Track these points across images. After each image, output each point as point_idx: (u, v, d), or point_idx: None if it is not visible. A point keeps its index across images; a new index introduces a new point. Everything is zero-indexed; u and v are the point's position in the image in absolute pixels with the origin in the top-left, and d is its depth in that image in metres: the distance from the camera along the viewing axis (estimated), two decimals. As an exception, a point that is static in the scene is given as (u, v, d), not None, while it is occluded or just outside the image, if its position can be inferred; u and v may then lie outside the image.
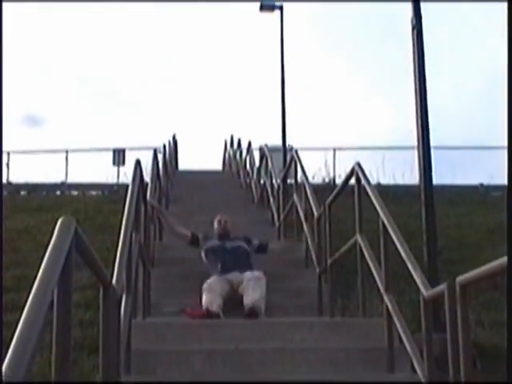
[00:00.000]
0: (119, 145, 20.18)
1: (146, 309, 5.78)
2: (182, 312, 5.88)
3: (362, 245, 5.48)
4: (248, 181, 13.39)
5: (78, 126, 35.11)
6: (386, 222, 4.91)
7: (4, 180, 17.32)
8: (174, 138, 16.74)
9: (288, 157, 10.93)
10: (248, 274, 6.28)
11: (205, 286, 6.18)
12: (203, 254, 6.82)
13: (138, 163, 5.62)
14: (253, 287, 6.07)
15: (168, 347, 4.98)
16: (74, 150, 20.14)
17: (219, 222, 7.10)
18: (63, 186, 17.65)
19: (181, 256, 7.14)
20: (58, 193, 16.31)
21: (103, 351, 3.23)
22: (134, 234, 4.84)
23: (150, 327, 5.28)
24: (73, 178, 18.70)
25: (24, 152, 19.82)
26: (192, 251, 7.16)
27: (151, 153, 9.58)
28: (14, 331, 1.75)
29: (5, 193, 14.54)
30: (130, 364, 4.43)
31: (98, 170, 19.79)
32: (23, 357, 1.67)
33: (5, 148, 17.96)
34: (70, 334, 2.41)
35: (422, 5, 6.35)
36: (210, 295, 6.04)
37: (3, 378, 1.55)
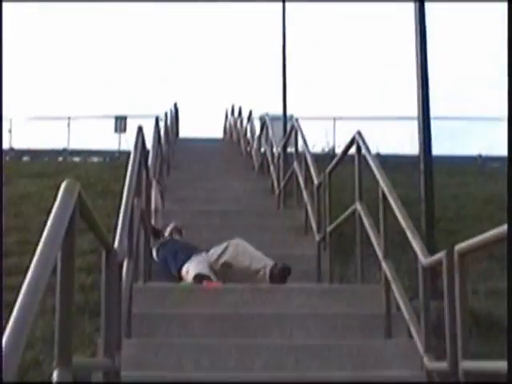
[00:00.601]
0: (121, 112, 20.20)
1: (147, 274, 5.83)
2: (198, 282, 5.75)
3: (362, 213, 5.51)
4: (248, 149, 13.41)
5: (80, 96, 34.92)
6: (386, 190, 4.92)
7: (7, 145, 17.38)
8: (175, 106, 16.75)
9: (288, 126, 10.93)
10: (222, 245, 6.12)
11: (183, 270, 6.00)
12: (154, 252, 6.43)
13: (140, 130, 5.63)
14: (250, 252, 6.04)
15: (168, 311, 5.04)
16: (76, 117, 20.14)
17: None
18: (65, 153, 17.70)
19: (183, 224, 7.16)
20: (60, 159, 16.35)
21: (105, 315, 3.27)
22: (135, 200, 4.87)
23: (150, 292, 5.35)
24: (75, 145, 18.75)
25: (27, 118, 19.84)
26: (195, 218, 7.21)
27: (153, 120, 9.61)
28: (18, 294, 1.77)
29: (7, 158, 14.58)
30: (131, 328, 4.50)
31: (99, 137, 19.79)
32: (26, 320, 1.69)
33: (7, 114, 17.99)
34: (72, 297, 2.44)
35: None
36: (195, 265, 5.92)
37: (5, 343, 1.56)
